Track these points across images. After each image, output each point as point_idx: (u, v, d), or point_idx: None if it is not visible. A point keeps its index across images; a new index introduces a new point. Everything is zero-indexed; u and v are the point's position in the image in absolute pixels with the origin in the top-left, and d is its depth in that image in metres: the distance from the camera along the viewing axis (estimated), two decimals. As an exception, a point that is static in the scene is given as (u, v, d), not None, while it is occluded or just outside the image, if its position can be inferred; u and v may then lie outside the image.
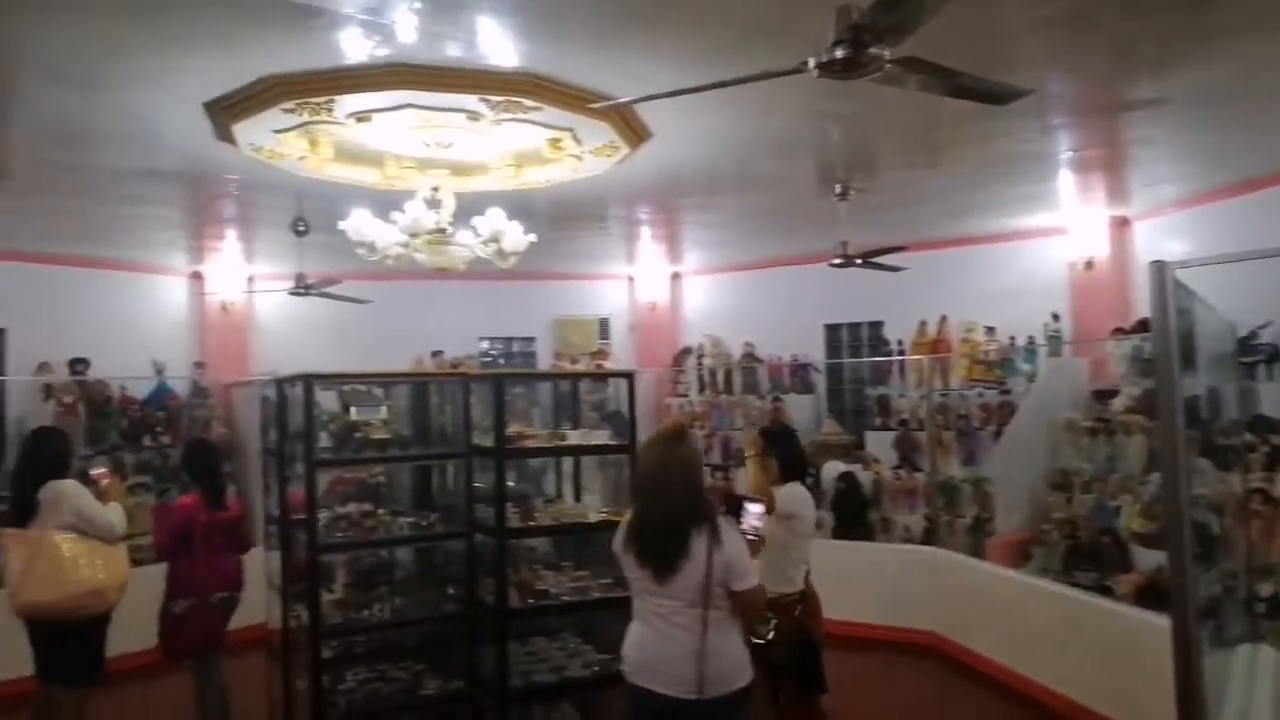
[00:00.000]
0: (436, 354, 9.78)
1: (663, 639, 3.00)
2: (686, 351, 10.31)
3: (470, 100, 4.26)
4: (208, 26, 3.60)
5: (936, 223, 8.11)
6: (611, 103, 3.74)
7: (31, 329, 8.22)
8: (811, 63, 2.96)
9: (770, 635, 3.97)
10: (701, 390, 9.92)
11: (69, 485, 4.39)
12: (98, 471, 4.77)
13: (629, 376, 4.93)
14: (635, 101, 3.59)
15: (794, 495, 4.10)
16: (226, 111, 4.34)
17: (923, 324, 9.11)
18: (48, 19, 3.53)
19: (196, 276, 9.51)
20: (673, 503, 3.01)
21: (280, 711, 4.81)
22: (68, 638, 4.31)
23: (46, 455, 4.44)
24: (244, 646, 5.21)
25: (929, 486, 7.80)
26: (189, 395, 8.90)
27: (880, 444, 8.67)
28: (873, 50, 2.82)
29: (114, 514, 4.57)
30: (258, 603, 5.25)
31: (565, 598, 4.77)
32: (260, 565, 5.34)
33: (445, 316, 9.83)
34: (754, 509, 3.28)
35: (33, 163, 5.65)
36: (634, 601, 3.16)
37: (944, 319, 9.01)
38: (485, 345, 10.53)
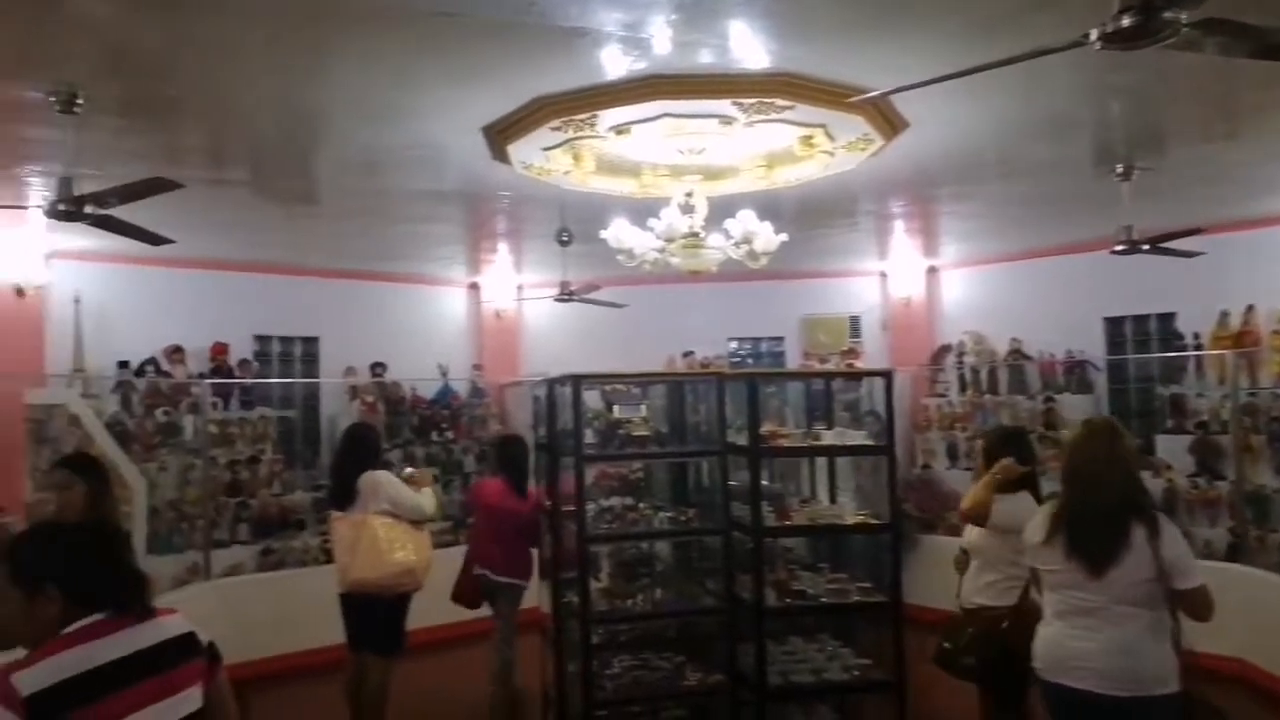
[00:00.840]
0: (688, 354, 10.01)
1: (1089, 635, 2.92)
2: (945, 349, 9.83)
3: (723, 105, 4.33)
4: (486, 56, 3.91)
5: (1237, 201, 7.18)
6: (869, 95, 3.66)
7: (339, 337, 9.35)
8: (1094, 34, 2.72)
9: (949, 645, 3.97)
10: (963, 390, 9.42)
11: (383, 475, 4.98)
12: (408, 471, 5.37)
13: (886, 375, 4.80)
14: (895, 92, 3.48)
15: (1016, 508, 3.80)
16: (501, 134, 4.70)
17: (1224, 315, 8.08)
18: (360, 63, 4.02)
19: (474, 287, 10.39)
20: (1112, 492, 2.96)
21: (554, 690, 5.16)
22: (377, 611, 4.87)
23: (362, 448, 5.06)
24: (522, 628, 5.63)
25: (1234, 497, 6.93)
26: (469, 395, 9.73)
27: (1173, 449, 7.81)
28: (1167, 14, 2.55)
29: (426, 499, 5.13)
30: (533, 587, 5.66)
31: (823, 599, 4.74)
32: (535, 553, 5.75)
33: (696, 318, 10.04)
34: None
35: (339, 190, 6.41)
36: (1048, 596, 3.10)
37: (1250, 309, 7.95)
38: (734, 345, 10.63)
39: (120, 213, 4.47)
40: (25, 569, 1.99)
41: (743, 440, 4.71)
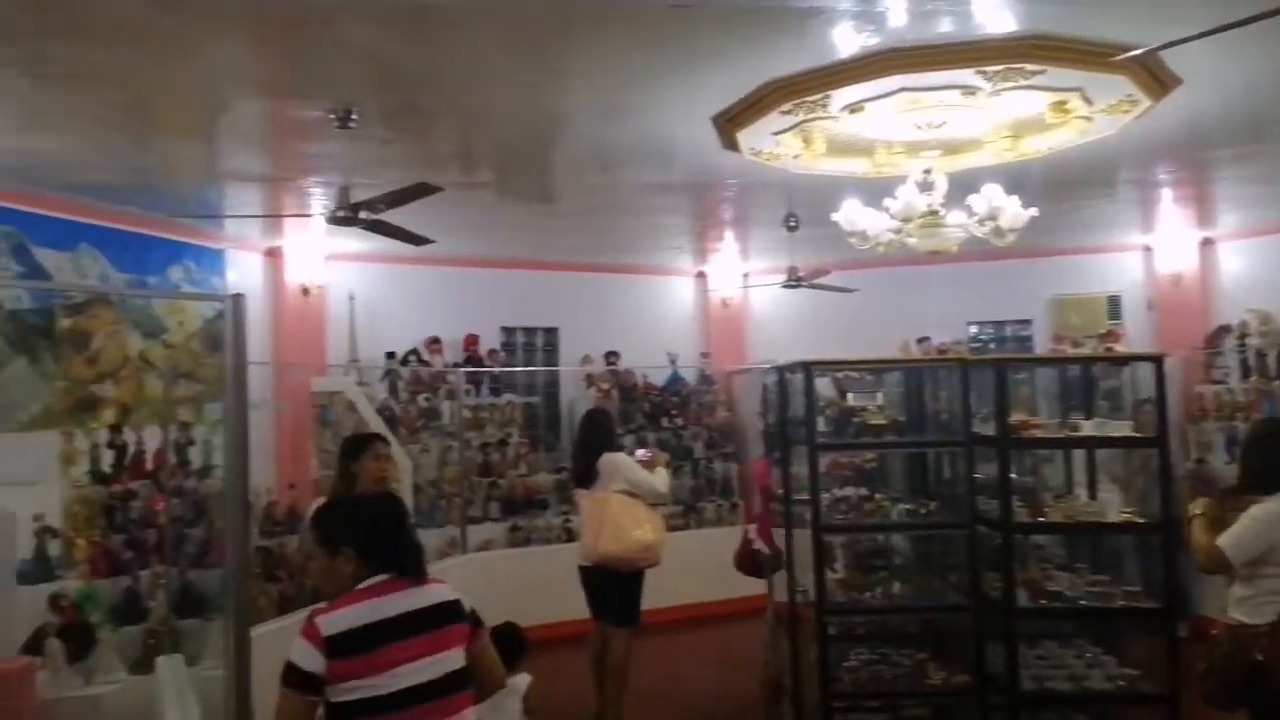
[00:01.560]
0: (922, 340, 9.59)
1: None
2: (1224, 330, 8.75)
3: (966, 74, 4.10)
4: (716, 45, 3.93)
5: None
6: (1135, 52, 3.31)
7: (577, 327, 9.79)
8: None
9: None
10: (1245, 376, 8.36)
11: (621, 456, 5.23)
12: (640, 453, 5.61)
13: (1157, 360, 4.35)
14: (1169, 46, 3.12)
15: (1262, 527, 3.34)
16: (731, 122, 4.72)
17: None
18: (598, 66, 4.19)
19: (701, 276, 10.51)
20: None
21: (789, 679, 5.14)
22: (615, 585, 5.10)
23: (600, 431, 5.34)
24: (749, 615, 5.67)
25: None
26: (697, 382, 9.88)
27: None
28: None
29: (660, 479, 5.35)
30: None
31: (1082, 602, 4.39)
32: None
33: (931, 302, 9.59)
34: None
35: (574, 187, 6.70)
36: None
37: None
38: (974, 330, 10.06)
39: (388, 217, 4.93)
40: (328, 534, 2.34)
41: (990, 430, 4.44)
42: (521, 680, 3.90)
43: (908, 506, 4.79)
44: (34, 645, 4.52)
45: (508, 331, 9.69)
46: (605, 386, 9.28)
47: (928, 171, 5.01)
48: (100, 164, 5.67)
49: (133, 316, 7.37)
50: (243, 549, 2.33)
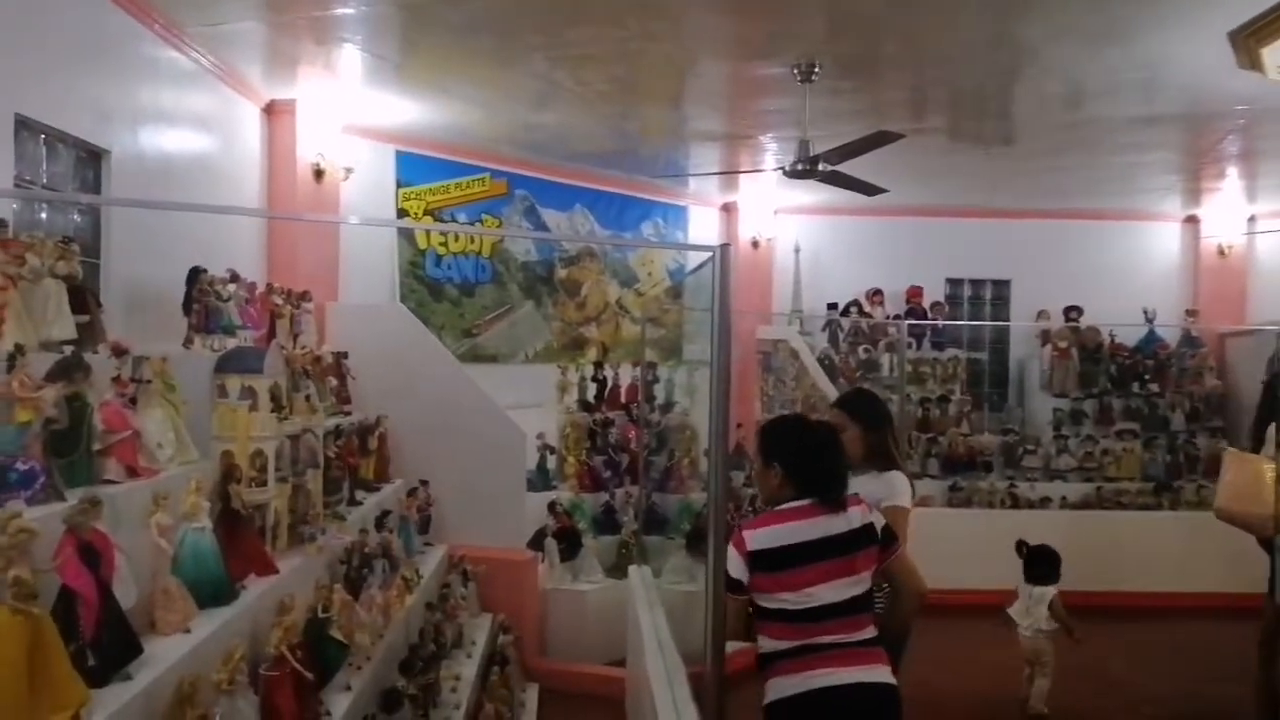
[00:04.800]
0: None
1: None
2: None
3: None
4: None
5: None
6: None
7: (1032, 280, 9.08)
8: None
9: None
10: None
11: None
12: None
13: None
14: None
15: None
16: (1255, 35, 3.98)
17: None
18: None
19: (1190, 220, 9.10)
20: None
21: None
22: None
23: None
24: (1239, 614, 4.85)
25: None
26: (1179, 343, 8.61)
27: None
28: None
29: None
30: (1255, 570, 4.82)
31: None
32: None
33: None
34: None
35: (1038, 127, 6.18)
36: None
37: None
38: None
39: (841, 168, 4.98)
40: (762, 446, 2.65)
41: None
42: (1047, 592, 4.77)
43: None
44: (536, 542, 5.44)
45: (953, 284, 9.31)
46: (1064, 345, 8.49)
47: None
48: (594, 133, 6.49)
49: (612, 267, 8.39)
50: (724, 477, 2.56)
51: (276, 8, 4.36)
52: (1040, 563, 4.90)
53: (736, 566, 2.46)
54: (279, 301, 4.39)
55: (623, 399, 6.54)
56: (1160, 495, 7.74)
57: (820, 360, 8.14)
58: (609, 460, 6.15)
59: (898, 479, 3.32)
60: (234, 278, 3.94)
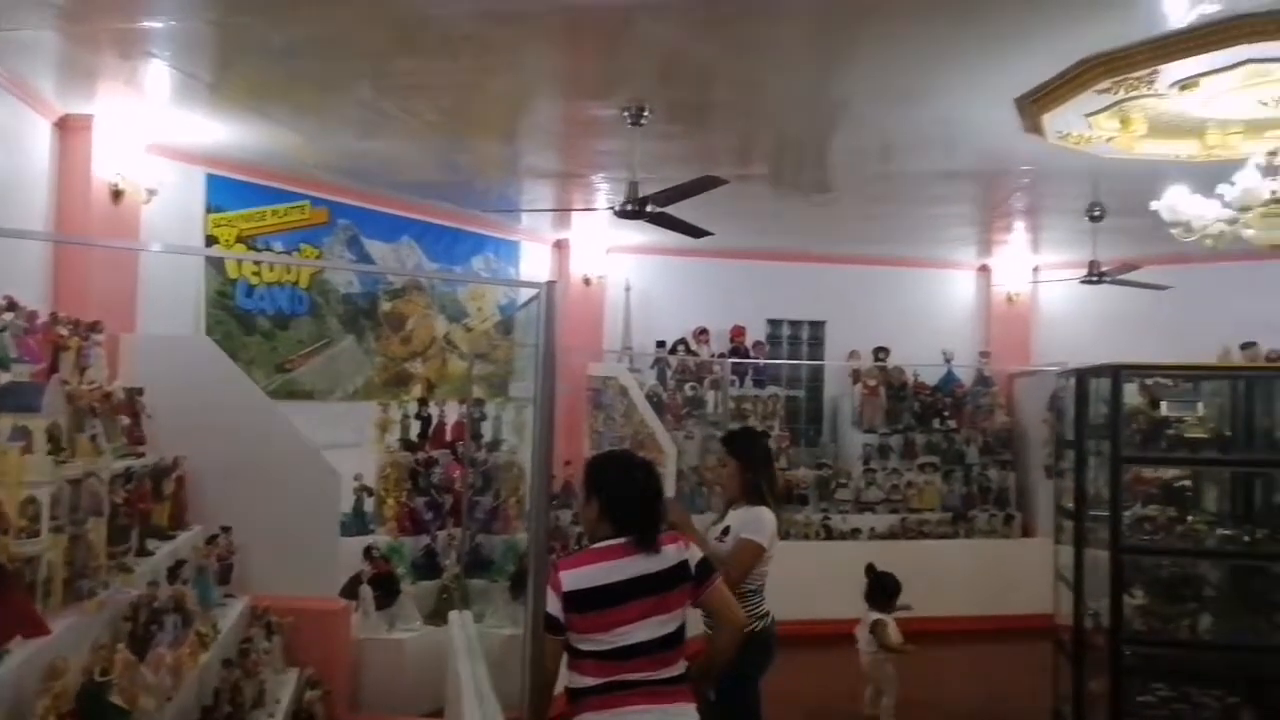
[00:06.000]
0: (1248, 346, 8.40)
1: None
2: None
3: (1329, 42, 3.53)
4: (1026, 21, 3.68)
5: None
6: None
7: (845, 321, 9.58)
8: None
9: None
10: None
11: None
12: None
13: None
14: None
15: None
16: (1038, 103, 4.39)
17: None
18: (890, 48, 4.07)
19: (984, 269, 9.91)
20: None
21: (1069, 706, 4.75)
22: None
23: None
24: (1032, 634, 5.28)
25: None
26: (973, 383, 9.32)
27: None
28: None
29: None
30: (1037, 591, 5.26)
31: None
32: (1046, 555, 5.34)
33: (1261, 301, 8.37)
34: None
35: (852, 177, 6.55)
36: None
37: None
38: (1314, 335, 8.67)
39: (669, 210, 5.09)
40: (586, 479, 2.69)
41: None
42: (874, 616, 5.08)
43: (1226, 532, 4.27)
44: (350, 589, 5.15)
45: (774, 324, 9.69)
46: (872, 383, 9.01)
47: (1273, 153, 4.37)
48: (423, 164, 6.33)
49: (440, 301, 8.18)
50: (543, 516, 2.55)
51: (74, 16, 3.98)
52: (876, 588, 5.20)
53: (554, 605, 2.49)
54: (64, 332, 3.97)
55: (448, 437, 6.36)
56: (957, 524, 8.31)
57: (649, 397, 8.24)
58: (431, 501, 5.94)
59: (764, 514, 3.53)
60: (11, 305, 3.58)
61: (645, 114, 4.73)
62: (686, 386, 8.68)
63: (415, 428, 6.22)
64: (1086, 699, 4.55)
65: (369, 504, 5.98)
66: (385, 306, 7.74)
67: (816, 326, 9.79)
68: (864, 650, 5.14)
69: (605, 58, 4.30)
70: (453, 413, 6.41)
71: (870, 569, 5.29)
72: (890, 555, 6.02)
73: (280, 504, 4.75)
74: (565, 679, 2.56)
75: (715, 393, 8.55)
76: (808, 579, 6.31)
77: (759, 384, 9.00)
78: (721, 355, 8.88)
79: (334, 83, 4.77)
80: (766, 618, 3.60)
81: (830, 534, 8.07)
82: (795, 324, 9.78)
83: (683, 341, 9.05)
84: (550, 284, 2.30)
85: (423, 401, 6.41)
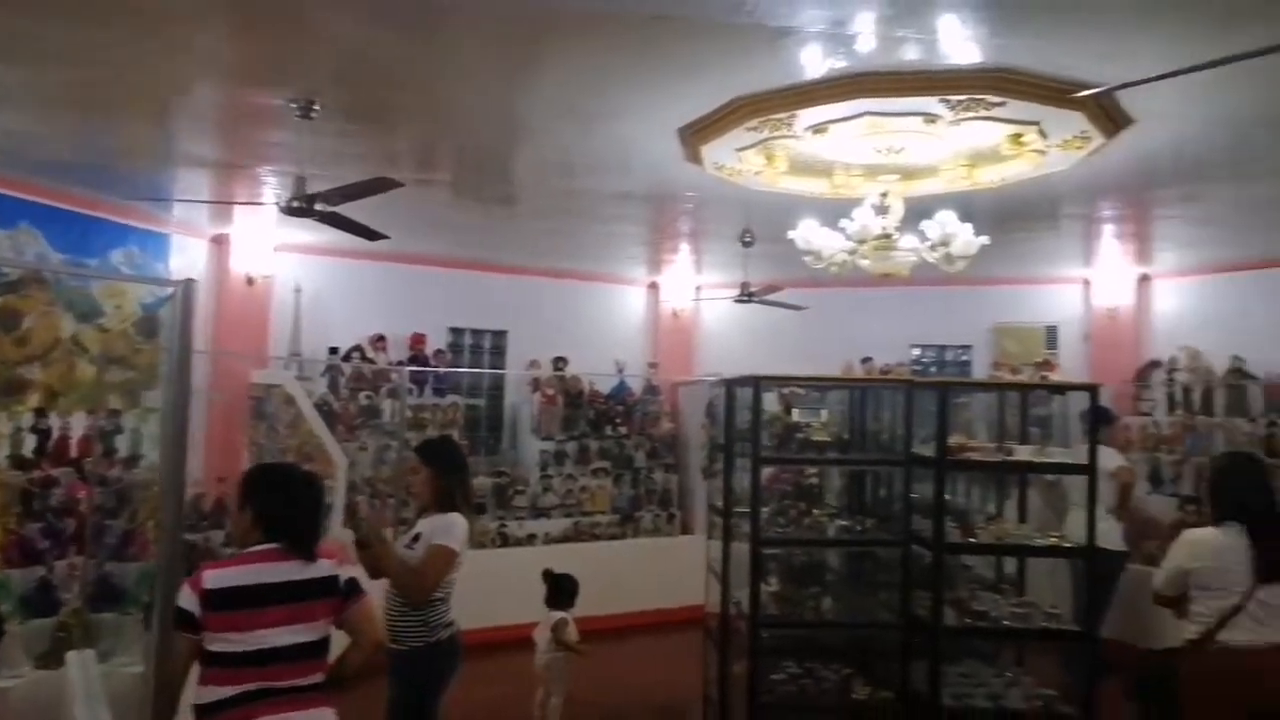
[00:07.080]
0: (866, 361, 9.75)
1: None
2: (1153, 365, 9.08)
3: (929, 102, 4.18)
4: (689, 58, 3.94)
5: None
6: (1094, 90, 3.43)
7: (526, 332, 9.72)
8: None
9: None
10: (1171, 410, 8.68)
11: None
12: None
13: (1092, 390, 4.49)
14: (1126, 87, 3.25)
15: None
16: (697, 135, 4.75)
17: None
18: (570, 70, 4.18)
19: (653, 286, 10.55)
20: None
21: (715, 689, 5.15)
22: None
23: None
24: (684, 625, 5.67)
25: None
26: (643, 391, 9.88)
27: None
28: None
29: None
30: (695, 584, 5.68)
31: (1006, 623, 4.49)
32: (701, 551, 5.77)
33: (877, 323, 9.76)
34: None
35: (534, 191, 6.66)
36: None
37: None
38: (917, 353, 10.26)
39: (343, 210, 4.85)
40: (241, 489, 2.68)
41: (929, 451, 4.53)
42: (553, 616, 5.17)
43: (844, 522, 4.85)
44: (-63, 634, 4.32)
45: (455, 332, 9.59)
46: (551, 392, 9.24)
47: (884, 195, 5.10)
48: (52, 142, 5.48)
49: (66, 297, 7.12)
50: (175, 541, 2.33)
51: None
52: (555, 591, 5.31)
53: (189, 600, 2.43)
54: None
55: (73, 453, 5.57)
56: (625, 525, 8.76)
57: (319, 406, 7.78)
58: (48, 528, 5.16)
59: (456, 520, 3.56)
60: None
61: (315, 107, 4.47)
62: (362, 395, 8.33)
63: (31, 442, 5.38)
64: (730, 681, 4.95)
65: (-35, 533, 5.06)
66: (-5, 301, 6.60)
67: (499, 335, 9.84)
68: (541, 651, 5.22)
69: (273, 42, 3.99)
70: (79, 425, 5.61)
71: (548, 573, 5.38)
72: (565, 558, 6.18)
73: None
74: (194, 696, 2.39)
75: (393, 401, 8.29)
76: (485, 587, 6.27)
77: (439, 392, 8.87)
78: (400, 363, 8.63)
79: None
80: (451, 626, 3.61)
81: (507, 541, 8.14)
82: (477, 333, 9.76)
83: (358, 348, 8.67)
84: (189, 282, 2.09)
85: (40, 412, 5.56)
